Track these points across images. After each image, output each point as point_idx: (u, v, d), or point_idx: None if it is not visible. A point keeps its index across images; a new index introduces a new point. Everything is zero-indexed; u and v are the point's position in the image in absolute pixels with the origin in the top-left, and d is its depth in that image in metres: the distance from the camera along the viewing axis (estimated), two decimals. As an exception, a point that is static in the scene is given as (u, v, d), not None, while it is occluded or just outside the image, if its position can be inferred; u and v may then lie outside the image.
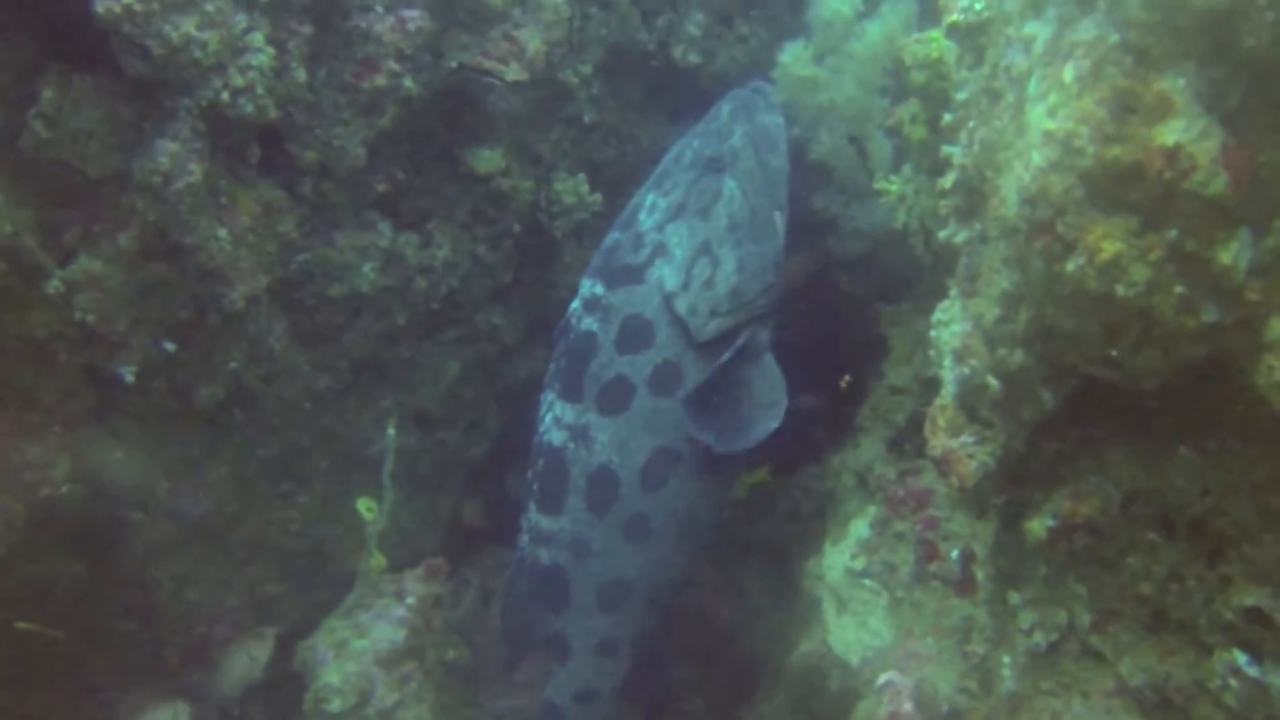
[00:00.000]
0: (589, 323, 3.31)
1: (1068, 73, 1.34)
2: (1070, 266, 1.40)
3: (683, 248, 3.25)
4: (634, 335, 3.25)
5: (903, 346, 3.38)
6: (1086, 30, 1.32)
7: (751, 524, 4.64)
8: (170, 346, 3.27)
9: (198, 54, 2.86)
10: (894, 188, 3.00)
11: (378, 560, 3.66)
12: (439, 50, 3.38)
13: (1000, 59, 1.73)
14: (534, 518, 3.43)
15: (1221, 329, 1.39)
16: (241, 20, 2.96)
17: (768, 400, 3.27)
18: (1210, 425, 1.59)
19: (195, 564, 3.67)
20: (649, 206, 3.37)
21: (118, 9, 2.73)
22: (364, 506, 3.58)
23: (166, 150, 2.94)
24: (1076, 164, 1.33)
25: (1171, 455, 1.68)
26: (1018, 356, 1.78)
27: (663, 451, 3.29)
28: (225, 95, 2.95)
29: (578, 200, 3.90)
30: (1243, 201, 1.31)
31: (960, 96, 1.89)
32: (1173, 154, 1.28)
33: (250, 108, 3.00)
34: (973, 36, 2.22)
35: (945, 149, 1.91)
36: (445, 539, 4.44)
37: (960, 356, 1.88)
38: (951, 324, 1.99)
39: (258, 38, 2.99)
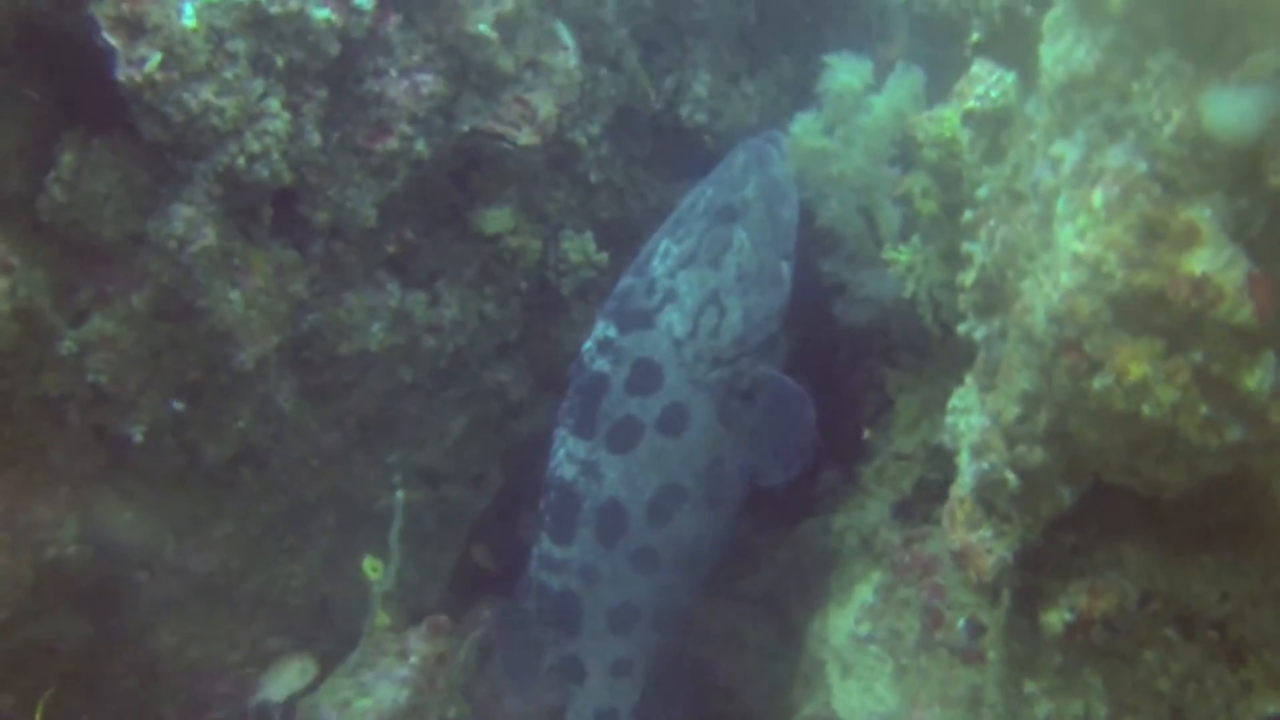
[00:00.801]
0: (601, 363, 3.44)
1: (1096, 197, 1.37)
2: (1097, 384, 1.42)
3: (692, 295, 3.40)
4: (643, 377, 3.39)
5: (909, 413, 3.41)
6: (1115, 157, 1.36)
7: (751, 576, 4.65)
8: (179, 406, 3.28)
9: (215, 121, 2.89)
10: (903, 258, 3.04)
11: (381, 619, 3.66)
12: (451, 113, 3.41)
13: (1022, 161, 1.77)
14: (545, 546, 3.54)
15: (1246, 447, 1.41)
16: (258, 86, 2.99)
17: (790, 440, 3.44)
18: (1231, 533, 1.61)
19: (198, 621, 3.66)
20: (662, 252, 3.50)
21: (139, 77, 2.76)
22: (369, 566, 3.58)
23: (182, 215, 2.96)
24: (1105, 288, 1.36)
25: (1191, 558, 1.70)
26: (1037, 454, 1.80)
27: (669, 488, 3.42)
28: (241, 160, 2.97)
29: (585, 259, 3.93)
30: (1267, 327, 1.34)
31: (980, 194, 1.92)
32: (1200, 283, 1.31)
33: (265, 173, 3.02)
34: (988, 124, 2.26)
35: (966, 246, 1.94)
36: (448, 590, 4.43)
37: (978, 451, 1.90)
38: (969, 414, 2.02)
39: (274, 103, 3.02)
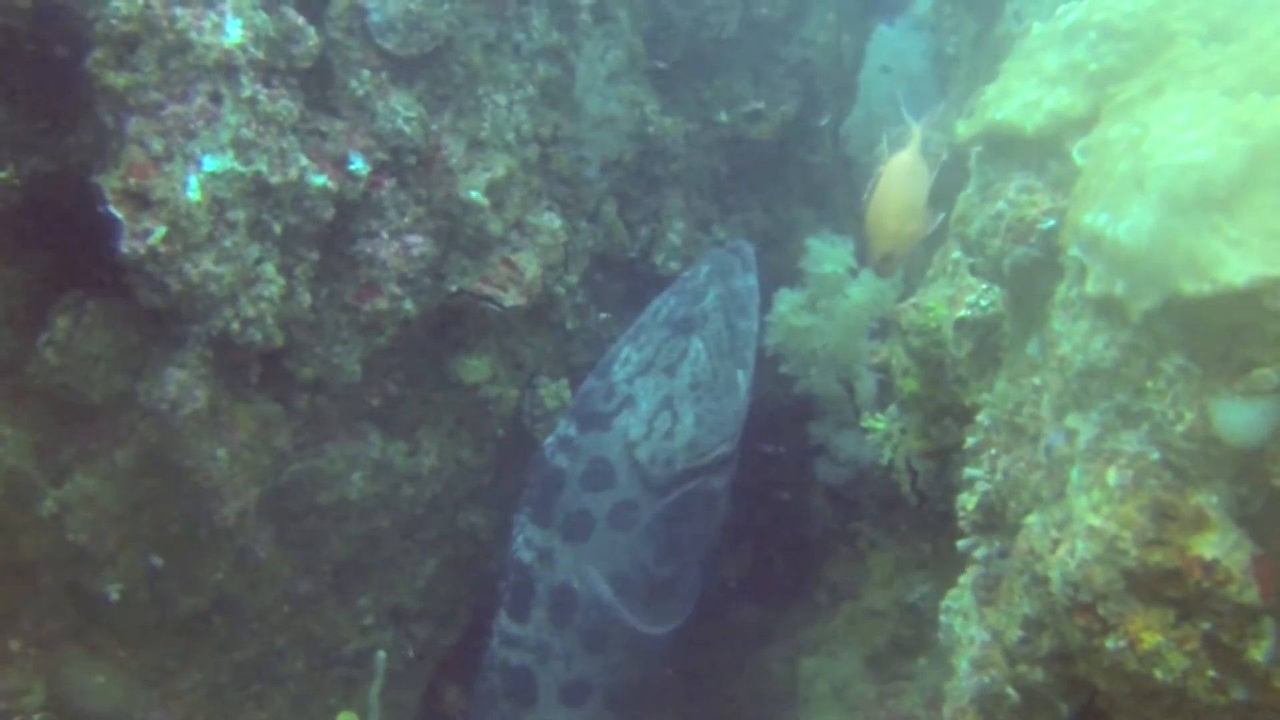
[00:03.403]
0: (561, 459, 3.67)
1: (1111, 476, 1.49)
2: (1110, 645, 1.52)
3: (648, 401, 3.60)
4: (598, 475, 3.61)
5: (882, 570, 3.50)
6: (1129, 442, 1.48)
7: (706, 703, 4.67)
8: (158, 561, 3.25)
9: (213, 288, 2.91)
10: (880, 425, 3.16)
11: (354, 774, 3.60)
12: (440, 273, 3.48)
13: (1025, 401, 1.89)
14: (504, 623, 3.76)
15: (1250, 705, 1.51)
16: (255, 251, 3.03)
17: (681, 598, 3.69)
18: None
19: (161, 776, 3.57)
20: (623, 359, 3.71)
21: (142, 250, 2.78)
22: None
23: (175, 379, 2.97)
24: (1120, 562, 1.47)
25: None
26: (1038, 674, 1.90)
27: (617, 577, 3.61)
28: (235, 325, 3.00)
29: (560, 405, 4.00)
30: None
31: (982, 420, 2.04)
32: (1210, 566, 1.42)
33: (259, 336, 3.05)
34: (978, 330, 2.40)
35: (968, 471, 2.05)
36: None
37: (979, 665, 1.99)
38: (967, 622, 2.11)
39: (269, 269, 3.06)
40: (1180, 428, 1.42)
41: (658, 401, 3.58)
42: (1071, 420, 1.58)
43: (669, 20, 4.21)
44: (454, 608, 4.33)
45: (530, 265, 3.56)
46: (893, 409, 3.17)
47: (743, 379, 3.60)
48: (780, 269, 4.00)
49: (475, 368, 3.79)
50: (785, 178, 4.70)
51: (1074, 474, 1.56)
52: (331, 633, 3.91)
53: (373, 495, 3.67)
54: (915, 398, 2.98)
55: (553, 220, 3.64)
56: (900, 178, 2.67)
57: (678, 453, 3.56)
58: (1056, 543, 1.60)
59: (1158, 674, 1.49)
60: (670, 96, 4.27)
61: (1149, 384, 1.45)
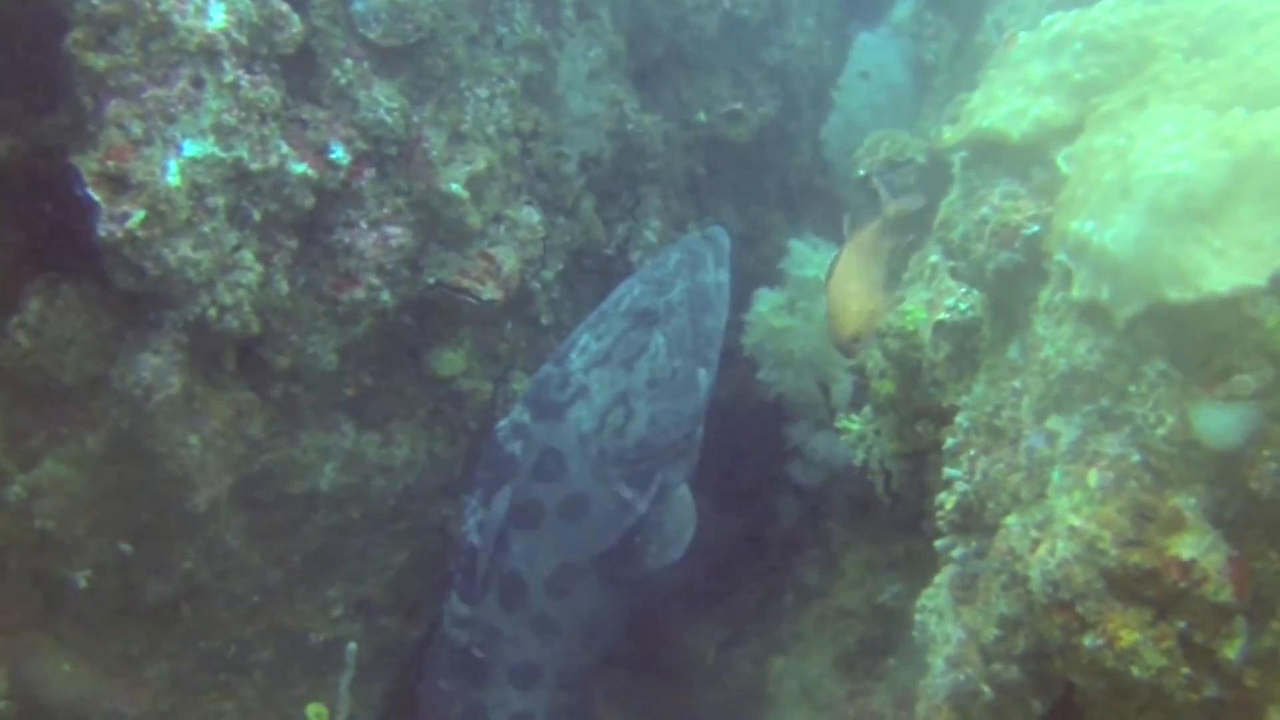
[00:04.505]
0: (513, 446, 3.59)
1: (1092, 477, 1.52)
2: (1088, 642, 1.56)
3: (603, 394, 3.52)
4: (549, 465, 3.54)
5: (854, 570, 3.54)
6: (1110, 445, 1.51)
7: (674, 702, 4.69)
8: (127, 548, 3.22)
9: (190, 274, 2.89)
10: (855, 426, 3.19)
11: (321, 766, 3.59)
12: (418, 265, 3.47)
13: (1004, 403, 1.93)
14: (454, 604, 3.72)
15: (1223, 703, 1.55)
16: (233, 238, 3.01)
17: (674, 533, 3.61)
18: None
19: (124, 765, 3.54)
20: (581, 347, 3.61)
21: (120, 234, 2.75)
22: (314, 712, 3.52)
23: (150, 365, 2.94)
24: (1099, 561, 1.50)
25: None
26: (1013, 672, 1.93)
27: (567, 566, 3.58)
28: (213, 311, 2.97)
29: (534, 399, 3.99)
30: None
31: (961, 422, 2.07)
32: (1187, 566, 1.46)
33: (235, 323, 3.03)
34: (956, 333, 2.44)
35: (947, 471, 2.08)
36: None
37: (955, 663, 2.02)
38: (942, 621, 2.14)
39: (248, 256, 3.04)
40: (1161, 431, 1.46)
41: (612, 396, 3.50)
42: (1053, 423, 1.62)
43: (650, 20, 4.22)
44: (420, 600, 4.31)
45: (508, 259, 3.56)
46: (867, 410, 3.20)
47: (704, 378, 3.53)
48: (754, 270, 4.02)
49: (451, 360, 3.78)
50: (762, 179, 4.74)
51: (1055, 475, 1.60)
52: (300, 623, 3.89)
53: (344, 486, 3.66)
54: (891, 400, 3.01)
55: (531, 215, 3.65)
56: (859, 259, 2.67)
57: (628, 450, 3.50)
58: (1036, 542, 1.63)
59: (1134, 671, 1.53)
60: (650, 95, 4.28)
61: (1131, 388, 1.49)
